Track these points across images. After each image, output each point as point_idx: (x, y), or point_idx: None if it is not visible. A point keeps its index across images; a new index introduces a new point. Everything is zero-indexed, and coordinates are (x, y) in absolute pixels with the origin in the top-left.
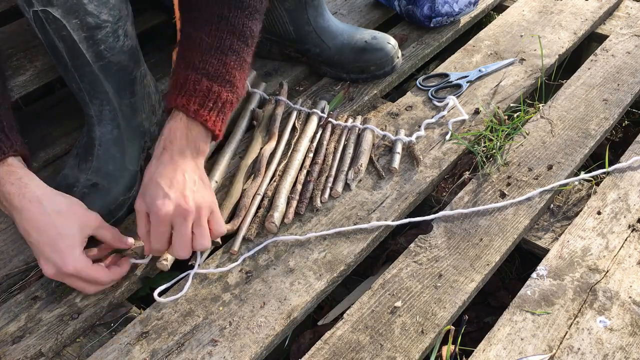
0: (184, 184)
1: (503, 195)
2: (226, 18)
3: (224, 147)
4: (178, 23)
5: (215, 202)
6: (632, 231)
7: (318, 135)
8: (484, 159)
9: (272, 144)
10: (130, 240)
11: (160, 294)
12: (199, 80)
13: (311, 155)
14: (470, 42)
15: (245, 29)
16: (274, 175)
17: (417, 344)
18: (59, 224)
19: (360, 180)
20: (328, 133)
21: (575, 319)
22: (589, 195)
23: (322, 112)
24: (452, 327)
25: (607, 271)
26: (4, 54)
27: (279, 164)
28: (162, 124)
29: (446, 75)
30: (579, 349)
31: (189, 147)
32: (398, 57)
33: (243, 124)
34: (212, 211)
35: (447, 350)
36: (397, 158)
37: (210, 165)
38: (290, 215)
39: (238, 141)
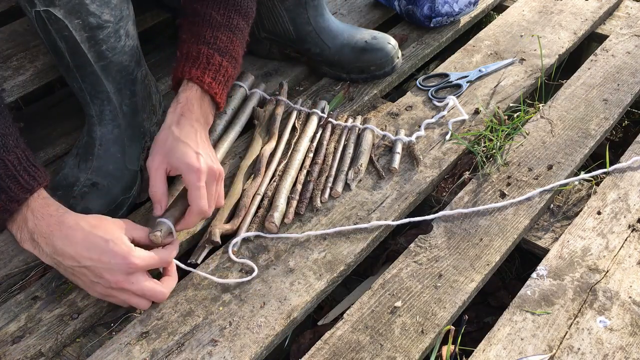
0: (208, 147)
1: (503, 195)
2: None
3: (219, 141)
4: None
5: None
6: (632, 231)
7: (318, 135)
8: (484, 159)
9: (272, 144)
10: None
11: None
12: (212, 55)
13: (311, 155)
14: (470, 42)
15: (249, 9)
16: (274, 175)
17: (417, 344)
18: (103, 234)
19: (360, 180)
20: (328, 133)
21: (575, 319)
22: (589, 195)
23: (322, 112)
24: (452, 327)
25: (607, 271)
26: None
27: (279, 164)
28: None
29: (446, 75)
30: (579, 349)
31: (202, 117)
32: (398, 57)
33: (242, 119)
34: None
35: (447, 350)
36: (397, 158)
37: None
38: (290, 215)
39: (236, 133)
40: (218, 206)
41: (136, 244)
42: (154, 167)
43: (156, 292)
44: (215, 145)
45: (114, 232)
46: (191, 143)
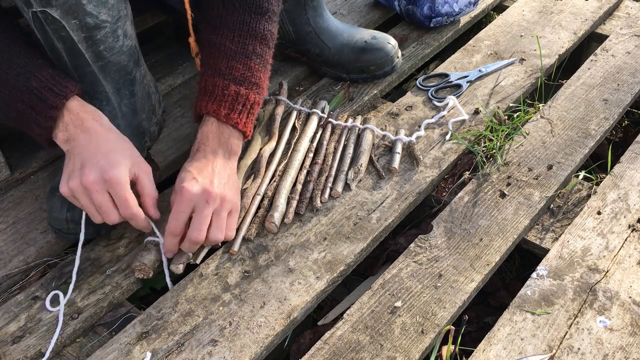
0: (212, 174)
1: (503, 195)
2: (248, 24)
3: None
4: (192, 41)
5: (238, 205)
6: (632, 231)
7: (318, 135)
8: (484, 159)
9: (272, 144)
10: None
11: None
12: (227, 86)
13: (311, 155)
14: (470, 42)
15: (266, 32)
16: (273, 175)
17: (417, 344)
18: (118, 146)
19: (360, 180)
20: (328, 133)
21: (575, 319)
22: (589, 195)
23: (322, 112)
24: (452, 327)
25: (607, 271)
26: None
27: (279, 164)
28: (162, 124)
29: (446, 75)
30: (579, 349)
31: (221, 148)
32: (398, 57)
33: None
34: (232, 210)
35: (447, 350)
36: (397, 158)
37: None
38: (290, 215)
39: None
40: (227, 239)
41: (132, 183)
42: (172, 202)
43: (110, 213)
44: None
45: (131, 155)
46: (193, 169)
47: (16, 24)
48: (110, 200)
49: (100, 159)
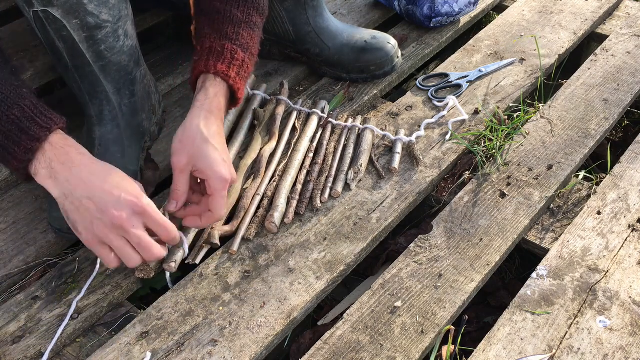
0: (227, 153)
1: (503, 195)
2: None
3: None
4: (192, 4)
5: None
6: (632, 231)
7: (318, 136)
8: (484, 159)
9: (272, 144)
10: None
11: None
12: (235, 50)
13: (311, 155)
14: (470, 42)
15: (265, 7)
16: (273, 175)
17: (417, 344)
18: (121, 175)
19: (360, 180)
20: (328, 133)
21: (575, 319)
22: (589, 195)
23: (322, 112)
24: (452, 327)
25: (607, 271)
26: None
27: (279, 164)
28: (162, 124)
29: (446, 75)
30: (579, 349)
31: (222, 114)
32: (398, 57)
33: (245, 125)
34: None
35: (447, 350)
36: (397, 158)
37: None
38: (290, 215)
39: (241, 142)
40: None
41: None
42: (179, 167)
43: (152, 247)
44: None
45: (131, 180)
46: (219, 147)
47: None
48: (147, 233)
49: (118, 193)
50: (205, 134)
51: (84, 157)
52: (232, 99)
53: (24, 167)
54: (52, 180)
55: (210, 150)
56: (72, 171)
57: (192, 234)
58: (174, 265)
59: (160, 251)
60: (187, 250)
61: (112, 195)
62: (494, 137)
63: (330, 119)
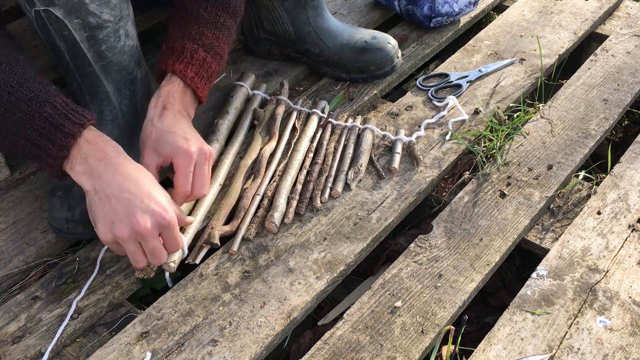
0: (195, 132)
1: (503, 195)
2: None
3: (226, 148)
4: None
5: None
6: (632, 231)
7: (318, 135)
8: (484, 159)
9: (272, 144)
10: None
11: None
12: (196, 50)
13: (311, 155)
14: (470, 42)
15: (237, 7)
16: (273, 175)
17: (417, 344)
18: (154, 182)
19: (360, 180)
20: (328, 133)
21: (575, 319)
22: (589, 195)
23: (322, 112)
24: (452, 327)
25: (607, 271)
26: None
27: (279, 164)
28: None
29: (446, 75)
30: (579, 349)
31: (184, 109)
32: (398, 57)
33: (245, 124)
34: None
35: (447, 350)
36: (397, 158)
37: (213, 167)
38: (290, 215)
39: (240, 142)
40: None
41: None
42: (145, 163)
43: (163, 256)
44: (220, 157)
45: (161, 190)
46: (178, 131)
47: (21, 45)
48: (161, 242)
49: (148, 202)
50: (160, 126)
51: (119, 155)
52: (197, 100)
53: (59, 164)
54: (87, 176)
55: (167, 135)
56: (107, 169)
57: (191, 234)
58: (173, 265)
59: (165, 258)
60: (186, 251)
61: (142, 202)
62: (494, 137)
63: (330, 119)
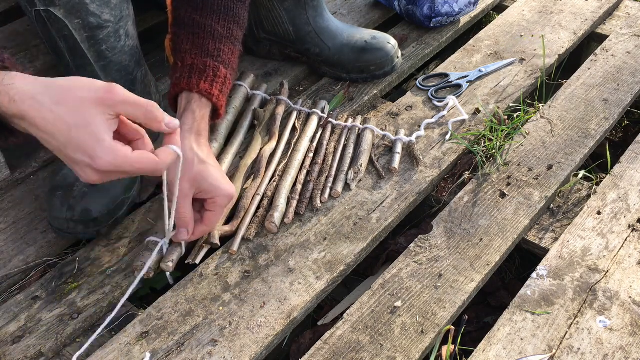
0: (221, 168)
1: (503, 195)
2: (232, 9)
3: (226, 148)
4: (170, 14)
5: None
6: (632, 231)
7: (318, 135)
8: (484, 159)
9: (272, 144)
10: (168, 118)
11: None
12: (217, 67)
13: (311, 155)
14: (470, 42)
15: (244, 19)
16: (273, 175)
17: (417, 344)
18: (67, 115)
19: (360, 180)
20: (328, 133)
21: (575, 319)
22: (589, 195)
23: (322, 112)
24: (452, 327)
25: (607, 271)
26: None
27: (279, 164)
28: None
29: (446, 75)
30: (579, 349)
31: (208, 132)
32: (398, 57)
33: (245, 124)
34: None
35: (447, 350)
36: (397, 158)
37: None
38: (290, 215)
39: (240, 142)
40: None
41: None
42: (183, 193)
43: (146, 169)
44: (219, 156)
45: (84, 113)
46: (215, 165)
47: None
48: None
49: (75, 154)
50: (202, 156)
51: (18, 104)
52: (213, 115)
53: None
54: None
55: (210, 170)
56: (24, 125)
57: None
58: (171, 265)
59: (158, 165)
60: (184, 250)
61: (69, 154)
62: (494, 137)
63: (330, 119)
